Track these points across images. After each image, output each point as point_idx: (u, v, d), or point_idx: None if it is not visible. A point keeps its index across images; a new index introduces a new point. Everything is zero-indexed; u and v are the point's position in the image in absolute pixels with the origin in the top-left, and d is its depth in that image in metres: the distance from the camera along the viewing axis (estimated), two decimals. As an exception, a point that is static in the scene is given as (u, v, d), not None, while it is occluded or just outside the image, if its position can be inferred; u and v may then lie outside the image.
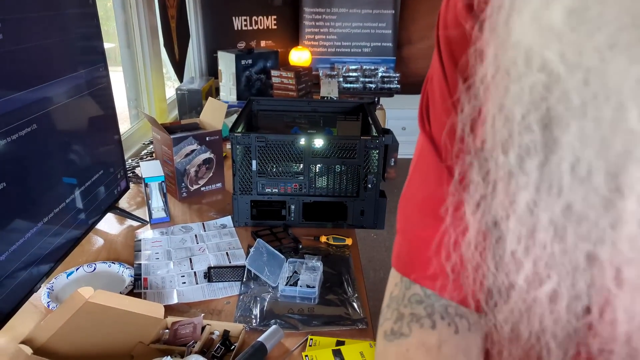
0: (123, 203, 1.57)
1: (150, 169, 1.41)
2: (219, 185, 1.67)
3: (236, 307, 1.07)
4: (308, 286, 1.11)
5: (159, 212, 1.44)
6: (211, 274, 1.17)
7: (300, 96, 2.77)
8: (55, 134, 1.08)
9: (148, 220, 1.44)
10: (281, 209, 1.41)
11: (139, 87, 2.36)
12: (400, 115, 4.16)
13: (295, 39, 3.77)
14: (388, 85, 3.62)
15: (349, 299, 1.11)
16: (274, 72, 2.79)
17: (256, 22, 3.43)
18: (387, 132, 1.36)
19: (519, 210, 0.39)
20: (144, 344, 0.92)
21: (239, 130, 1.39)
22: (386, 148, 1.36)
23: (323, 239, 1.35)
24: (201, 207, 1.56)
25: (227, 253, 1.28)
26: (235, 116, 1.57)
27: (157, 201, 1.43)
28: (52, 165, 1.06)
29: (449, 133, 0.48)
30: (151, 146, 2.06)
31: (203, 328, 0.96)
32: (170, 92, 2.79)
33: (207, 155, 1.60)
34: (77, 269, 1.19)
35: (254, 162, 1.34)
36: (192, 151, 1.56)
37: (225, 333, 0.96)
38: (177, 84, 2.72)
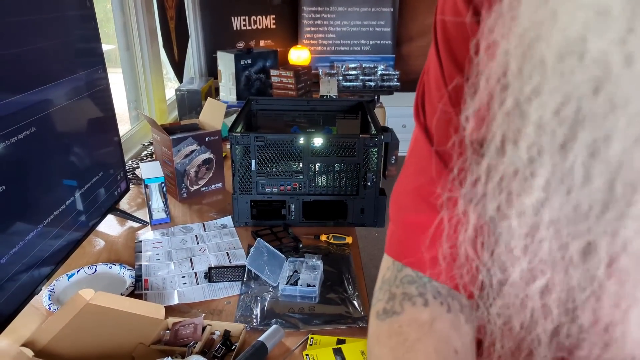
0: (123, 204, 1.58)
1: (150, 170, 1.42)
2: (219, 185, 1.67)
3: (237, 307, 1.07)
4: (308, 285, 1.11)
5: (159, 213, 1.44)
6: (212, 274, 1.18)
7: (300, 95, 2.77)
8: (55, 136, 1.08)
9: (148, 221, 1.44)
10: (281, 208, 1.41)
11: (139, 88, 2.36)
12: (400, 113, 4.16)
13: (294, 38, 3.77)
14: (388, 83, 3.62)
15: (350, 297, 1.11)
16: (273, 72, 2.79)
17: (255, 22, 3.43)
18: (386, 130, 1.36)
19: (524, 208, 0.39)
20: (145, 345, 0.92)
21: (238, 130, 1.39)
22: (386, 146, 1.36)
23: (323, 237, 1.35)
24: (201, 207, 1.56)
25: (227, 253, 1.28)
26: (235, 116, 1.57)
27: (157, 202, 1.43)
28: (51, 167, 1.07)
29: (442, 123, 0.49)
30: (151, 147, 2.06)
31: (204, 328, 0.97)
32: (170, 92, 2.79)
33: (207, 155, 1.60)
34: (78, 271, 1.19)
35: (253, 162, 1.34)
36: (192, 152, 1.57)
37: (226, 333, 0.96)
38: (176, 84, 2.72)
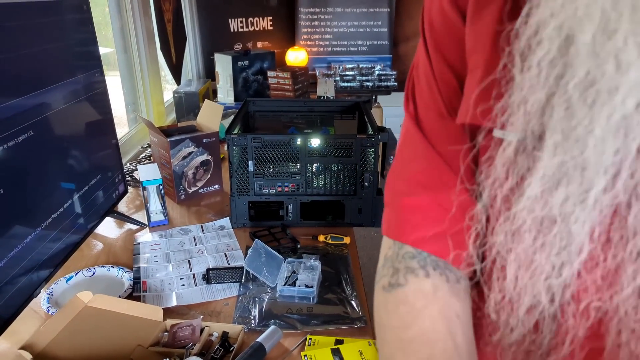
0: (122, 207, 1.58)
1: (148, 173, 1.42)
2: (216, 187, 1.67)
3: (235, 308, 1.08)
4: (307, 286, 1.11)
5: (157, 215, 1.45)
6: (210, 276, 1.18)
7: (297, 96, 2.77)
8: (52, 139, 1.09)
9: (146, 223, 1.45)
10: (279, 209, 1.41)
11: (137, 91, 2.37)
12: (397, 113, 4.15)
13: (291, 40, 3.77)
14: (385, 83, 3.62)
15: (348, 297, 1.11)
16: (270, 73, 2.79)
17: (252, 24, 3.43)
18: (383, 130, 1.36)
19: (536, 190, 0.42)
20: (143, 347, 0.92)
21: (236, 131, 1.39)
22: (384, 146, 1.36)
23: (321, 238, 1.35)
24: (199, 209, 1.57)
25: (225, 254, 1.29)
26: (232, 118, 1.57)
27: (155, 204, 1.43)
28: (49, 170, 1.07)
29: (436, 123, 0.54)
30: (149, 150, 2.06)
31: (202, 330, 0.97)
32: (168, 95, 2.79)
33: (205, 157, 1.60)
34: (76, 274, 1.19)
35: (250, 163, 1.34)
36: (190, 153, 1.57)
37: (224, 334, 0.97)
38: (174, 87, 2.72)
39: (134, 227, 1.45)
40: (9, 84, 0.93)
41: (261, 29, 3.50)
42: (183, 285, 1.16)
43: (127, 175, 1.78)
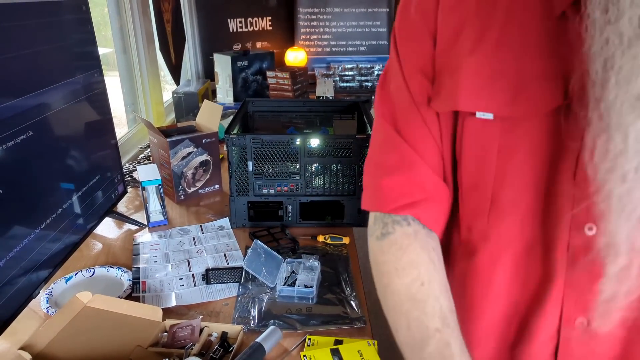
0: (121, 207, 1.58)
1: (147, 173, 1.42)
2: (216, 187, 1.67)
3: (234, 308, 1.08)
4: (306, 286, 1.11)
5: (156, 216, 1.45)
6: (209, 276, 1.18)
7: (296, 96, 2.77)
8: (51, 140, 1.09)
9: (146, 223, 1.45)
10: (278, 209, 1.41)
11: (136, 91, 2.37)
12: (397, 113, 4.16)
13: (290, 40, 3.77)
14: (384, 84, 3.62)
15: (347, 297, 1.11)
16: (269, 73, 2.79)
17: (251, 24, 3.43)
18: (382, 130, 1.36)
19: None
20: (143, 348, 0.92)
21: (235, 131, 1.39)
22: (382, 146, 1.36)
23: (320, 238, 1.35)
24: (199, 209, 1.57)
25: (225, 255, 1.29)
26: (231, 118, 1.57)
27: (154, 205, 1.43)
28: (48, 171, 1.07)
29: (404, 106, 0.68)
30: (148, 150, 2.06)
31: (201, 330, 0.97)
32: (167, 95, 2.79)
33: (204, 157, 1.60)
34: (75, 274, 1.19)
35: (250, 164, 1.34)
36: (189, 154, 1.57)
37: (224, 335, 0.97)
38: (173, 87, 2.72)
39: (134, 227, 1.45)
40: (8, 84, 0.93)
41: (260, 29, 3.50)
42: (182, 285, 1.16)
43: (127, 176, 1.78)
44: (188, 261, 1.26)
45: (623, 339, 0.58)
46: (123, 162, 1.81)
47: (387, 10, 3.79)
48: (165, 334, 0.97)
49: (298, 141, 1.33)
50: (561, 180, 0.57)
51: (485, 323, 0.68)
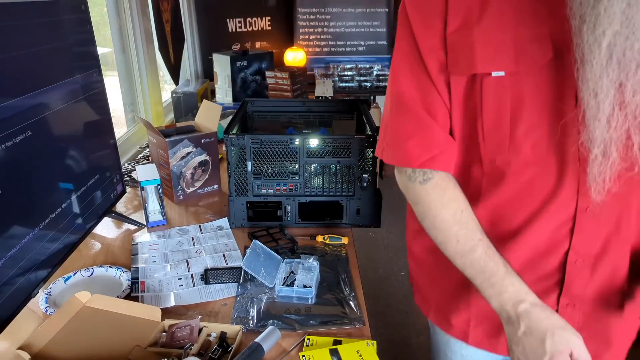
0: (120, 207, 1.58)
1: (146, 173, 1.42)
2: (215, 187, 1.67)
3: (233, 308, 1.08)
4: (305, 286, 1.11)
5: (155, 216, 1.45)
6: (208, 276, 1.18)
7: (296, 96, 2.77)
8: (50, 140, 1.09)
9: (145, 223, 1.45)
10: (277, 209, 1.41)
11: (135, 91, 2.37)
12: (396, 114, 4.16)
13: (289, 40, 3.77)
14: (383, 84, 3.63)
15: (346, 298, 1.11)
16: (268, 73, 2.79)
17: (250, 24, 3.43)
18: (381, 130, 1.36)
19: None
20: (141, 347, 0.92)
21: (234, 132, 1.39)
22: (381, 146, 1.36)
23: (319, 238, 1.36)
24: (198, 209, 1.57)
25: (223, 255, 1.29)
26: (230, 118, 1.58)
27: (153, 204, 1.43)
28: (47, 170, 1.07)
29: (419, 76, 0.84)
30: (147, 150, 2.06)
31: (200, 330, 0.97)
32: (166, 95, 2.79)
33: (203, 157, 1.60)
34: (74, 274, 1.19)
35: (249, 164, 1.35)
36: (188, 154, 1.57)
37: (222, 335, 0.97)
38: (172, 87, 2.72)
39: (132, 227, 1.45)
40: (7, 84, 0.93)
41: (259, 29, 3.50)
42: (181, 285, 1.16)
43: (126, 176, 1.78)
44: (187, 261, 1.26)
45: (616, 217, 0.82)
46: (122, 161, 1.81)
47: (387, 10, 3.79)
48: (164, 334, 0.97)
49: (297, 141, 1.33)
50: (567, 110, 0.76)
51: (516, 222, 0.87)
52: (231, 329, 0.98)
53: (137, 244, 1.35)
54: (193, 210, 1.56)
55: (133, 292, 1.13)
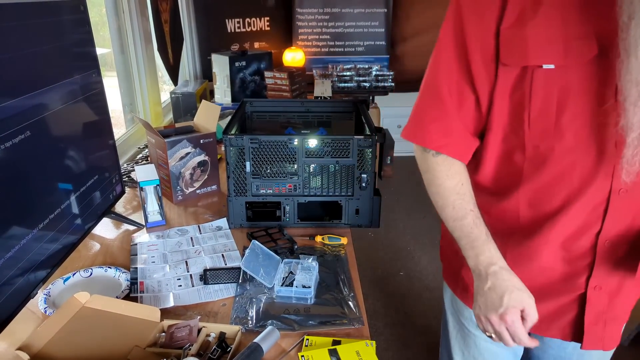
0: (119, 207, 1.58)
1: (145, 173, 1.42)
2: (214, 187, 1.68)
3: (232, 308, 1.08)
4: (304, 286, 1.12)
5: (154, 216, 1.45)
6: (207, 276, 1.18)
7: (294, 97, 2.77)
8: (49, 140, 1.09)
9: (144, 224, 1.45)
10: (276, 209, 1.41)
11: (134, 91, 2.37)
12: (395, 114, 4.16)
13: (288, 40, 3.78)
14: (382, 84, 3.63)
15: (345, 298, 1.12)
16: (267, 74, 2.79)
17: (249, 24, 3.43)
18: (380, 130, 1.36)
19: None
20: (141, 348, 0.92)
21: (233, 132, 1.39)
22: (382, 146, 1.36)
23: (318, 238, 1.36)
24: (197, 209, 1.57)
25: (222, 255, 1.29)
26: (229, 118, 1.58)
27: (152, 205, 1.43)
28: (47, 171, 1.07)
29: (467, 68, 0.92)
30: (146, 150, 2.06)
31: (199, 330, 0.97)
32: (165, 95, 2.79)
33: (202, 157, 1.60)
34: (73, 274, 1.19)
35: (247, 164, 1.35)
36: (187, 154, 1.57)
37: (222, 335, 0.97)
38: (171, 87, 2.72)
39: (131, 227, 1.45)
40: (6, 84, 0.93)
41: (258, 29, 3.51)
42: (180, 285, 1.16)
43: (125, 176, 1.78)
44: (186, 261, 1.26)
45: None
46: (121, 162, 1.81)
47: (385, 10, 3.79)
48: (163, 334, 0.97)
49: (296, 141, 1.33)
50: (607, 100, 0.83)
51: (555, 204, 0.93)
52: (230, 329, 0.98)
53: (136, 244, 1.35)
54: (192, 210, 1.56)
55: (132, 293, 1.13)
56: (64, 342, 0.91)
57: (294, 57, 3.46)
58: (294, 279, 1.14)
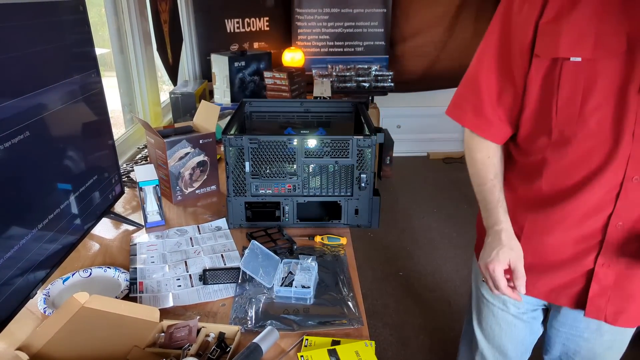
0: (118, 207, 1.58)
1: (144, 173, 1.42)
2: (213, 187, 1.68)
3: (231, 309, 1.08)
4: (303, 286, 1.12)
5: (154, 216, 1.45)
6: (206, 277, 1.18)
7: (294, 97, 2.78)
8: (49, 140, 1.09)
9: (143, 224, 1.45)
10: (275, 210, 1.41)
11: (133, 91, 2.37)
12: (394, 114, 4.16)
13: (288, 40, 3.78)
14: (381, 84, 3.63)
15: (344, 298, 1.12)
16: (266, 74, 2.79)
17: (249, 24, 3.43)
18: (379, 130, 1.36)
19: None
20: (140, 348, 0.92)
21: (232, 132, 1.39)
22: (381, 146, 1.36)
23: (318, 238, 1.36)
24: (196, 209, 1.57)
25: (222, 255, 1.29)
26: (229, 118, 1.58)
27: (151, 205, 1.43)
28: (46, 171, 1.07)
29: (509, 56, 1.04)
30: (146, 150, 2.06)
31: (198, 331, 0.97)
32: (165, 95, 2.79)
33: (201, 157, 1.60)
34: (73, 274, 1.19)
35: (247, 164, 1.35)
36: (186, 154, 1.57)
37: (221, 335, 0.97)
38: (171, 87, 2.72)
39: (131, 227, 1.45)
40: (5, 84, 0.93)
41: (258, 29, 3.51)
42: (179, 286, 1.16)
43: (124, 176, 1.78)
44: (185, 262, 1.26)
45: None
46: (120, 162, 1.81)
47: (384, 10, 3.79)
48: (163, 334, 0.97)
49: (295, 142, 1.33)
50: (630, 94, 0.91)
51: (572, 182, 1.03)
52: (229, 329, 0.98)
53: (135, 244, 1.35)
54: (191, 210, 1.56)
55: (131, 293, 1.13)
56: (63, 342, 0.91)
57: (293, 57, 3.46)
58: (293, 279, 1.14)
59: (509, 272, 1.07)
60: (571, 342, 1.22)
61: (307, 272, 1.16)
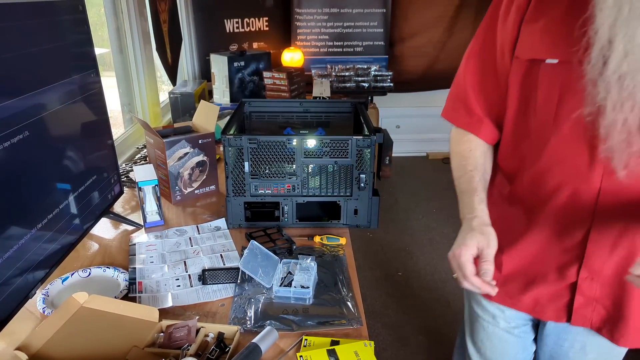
0: (117, 207, 1.58)
1: (143, 173, 1.42)
2: (212, 187, 1.67)
3: (231, 309, 1.08)
4: (302, 286, 1.12)
5: (153, 216, 1.45)
6: (205, 277, 1.18)
7: (293, 97, 2.78)
8: (48, 140, 1.09)
9: (142, 224, 1.45)
10: (274, 210, 1.41)
11: (132, 91, 2.37)
12: (394, 114, 4.17)
13: (287, 40, 3.78)
14: (381, 84, 3.63)
15: (344, 298, 1.12)
16: (266, 74, 2.79)
17: (248, 24, 3.43)
18: (379, 130, 1.36)
19: None
20: (139, 348, 0.92)
21: (231, 132, 1.39)
22: (380, 147, 1.36)
23: (317, 239, 1.36)
24: (195, 209, 1.57)
25: (221, 255, 1.29)
26: (228, 118, 1.58)
27: (151, 205, 1.43)
28: (45, 171, 1.07)
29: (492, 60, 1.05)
30: (145, 150, 2.06)
31: (198, 331, 0.97)
32: (164, 95, 2.79)
33: (200, 157, 1.60)
34: (72, 274, 1.19)
35: (246, 164, 1.35)
36: (185, 154, 1.57)
37: (220, 335, 0.97)
38: (170, 87, 2.72)
39: (130, 227, 1.45)
40: (5, 84, 0.93)
41: (257, 29, 3.51)
42: (179, 286, 1.16)
43: (123, 176, 1.78)
44: (184, 262, 1.26)
45: (636, 200, 0.94)
46: (119, 162, 1.81)
47: (384, 11, 3.80)
48: (162, 334, 0.97)
49: (294, 142, 1.33)
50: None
51: (548, 189, 1.01)
52: (229, 329, 0.98)
53: (134, 244, 1.35)
54: (190, 210, 1.56)
55: (130, 293, 1.13)
56: (62, 342, 0.91)
57: (292, 57, 3.46)
58: (292, 279, 1.14)
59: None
60: None
61: (306, 272, 1.16)
